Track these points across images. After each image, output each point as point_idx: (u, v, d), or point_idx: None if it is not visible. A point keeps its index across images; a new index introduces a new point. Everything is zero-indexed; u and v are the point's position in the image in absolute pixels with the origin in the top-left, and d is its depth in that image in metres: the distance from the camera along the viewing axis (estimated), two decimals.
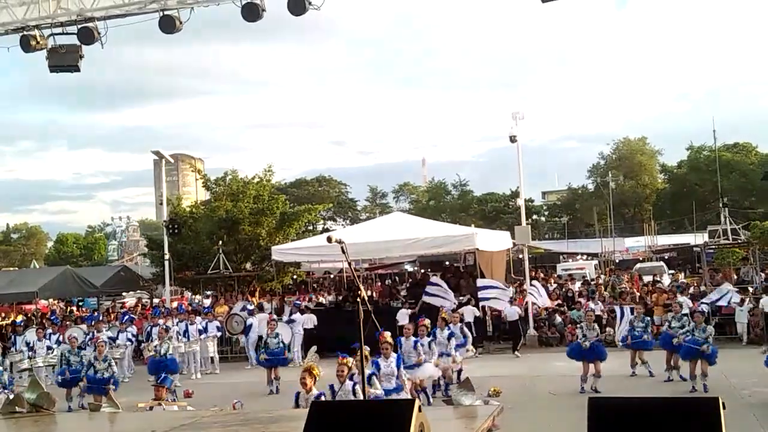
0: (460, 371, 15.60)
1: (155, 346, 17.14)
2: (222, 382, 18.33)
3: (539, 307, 22.09)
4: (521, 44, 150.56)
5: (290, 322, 20.89)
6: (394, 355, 11.77)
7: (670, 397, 4.17)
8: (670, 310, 17.07)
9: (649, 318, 17.25)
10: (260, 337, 21.71)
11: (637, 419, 3.88)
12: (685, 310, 16.91)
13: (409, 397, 11.73)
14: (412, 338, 13.28)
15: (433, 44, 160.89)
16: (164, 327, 18.14)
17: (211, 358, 20.64)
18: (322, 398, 9.03)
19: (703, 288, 23.35)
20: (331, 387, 9.59)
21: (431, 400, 13.26)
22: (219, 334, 21.30)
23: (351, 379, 9.70)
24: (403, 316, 19.22)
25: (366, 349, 10.99)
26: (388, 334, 12.19)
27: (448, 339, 14.63)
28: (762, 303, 19.42)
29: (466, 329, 16.35)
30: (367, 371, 10.45)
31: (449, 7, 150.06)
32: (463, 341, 15.47)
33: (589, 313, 16.32)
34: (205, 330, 20.32)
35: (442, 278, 26.03)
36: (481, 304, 20.64)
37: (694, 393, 13.04)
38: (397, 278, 35.21)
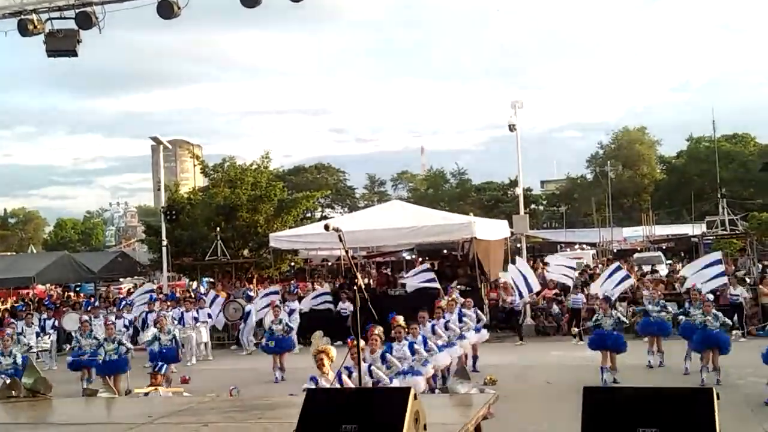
0: (476, 357, 15.79)
1: (155, 335, 17.08)
2: (218, 369, 18.37)
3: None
4: (523, 32, 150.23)
5: (291, 312, 20.59)
6: (406, 342, 11.84)
7: (664, 387, 4.19)
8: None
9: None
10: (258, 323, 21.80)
11: (632, 409, 3.90)
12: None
13: (424, 380, 11.86)
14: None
15: (434, 32, 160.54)
16: (163, 316, 18.05)
17: (205, 343, 20.66)
18: (343, 376, 9.06)
19: None
20: (348, 369, 9.55)
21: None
22: (210, 321, 21.29)
23: (364, 360, 9.83)
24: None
25: (379, 329, 11.14)
26: (400, 319, 12.31)
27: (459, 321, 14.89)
28: None
29: (480, 313, 16.64)
30: (380, 351, 10.59)
31: None
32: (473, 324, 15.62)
33: (602, 301, 15.92)
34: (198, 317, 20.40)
35: (440, 267, 26.13)
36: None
37: (720, 384, 12.79)
38: (394, 266, 35.22)
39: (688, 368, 14.46)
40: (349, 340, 10.16)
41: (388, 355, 10.79)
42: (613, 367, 14.14)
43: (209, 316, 21.19)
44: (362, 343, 10.12)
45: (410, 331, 12.45)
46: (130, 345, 15.80)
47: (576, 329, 18.65)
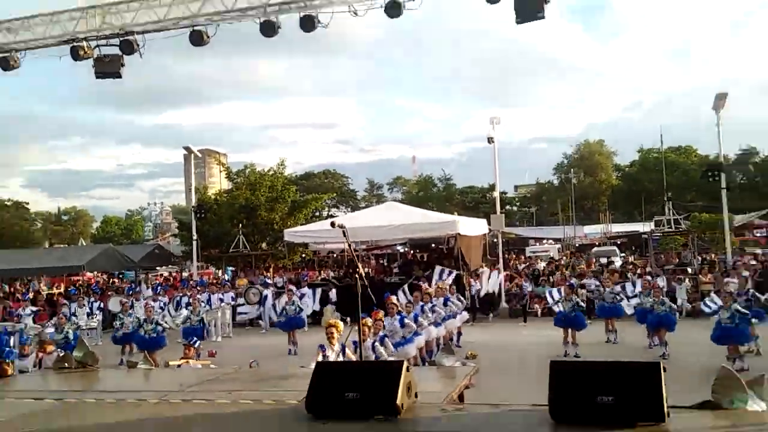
0: (459, 334, 15.77)
1: (188, 316, 17.10)
2: (241, 345, 18.31)
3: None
4: (500, 60, 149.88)
5: (302, 296, 20.64)
6: (398, 317, 11.82)
7: (618, 360, 4.19)
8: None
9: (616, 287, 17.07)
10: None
11: (591, 379, 3.90)
12: (639, 288, 16.95)
13: (414, 347, 11.85)
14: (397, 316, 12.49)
15: (424, 59, 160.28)
16: (197, 300, 18.05)
17: (228, 323, 20.61)
18: (346, 350, 9.05)
19: (649, 269, 23.41)
20: (355, 343, 9.53)
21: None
22: (233, 303, 21.26)
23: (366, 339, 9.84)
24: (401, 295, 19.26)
25: (381, 313, 11.13)
26: (393, 298, 12.31)
27: (445, 305, 14.92)
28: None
29: (461, 297, 16.85)
30: (381, 333, 10.57)
31: (438, 28, 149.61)
32: (457, 310, 15.65)
33: (566, 288, 16.09)
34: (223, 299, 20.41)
35: (428, 258, 26.14)
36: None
37: (667, 358, 12.79)
38: (390, 258, 35.17)
39: (652, 343, 14.44)
40: (374, 311, 10.22)
41: (386, 339, 10.73)
42: (574, 342, 14.20)
43: (232, 298, 21.21)
44: (369, 321, 10.18)
45: (406, 308, 12.49)
46: (166, 325, 15.77)
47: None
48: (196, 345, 12.45)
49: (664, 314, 13.91)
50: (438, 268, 21.10)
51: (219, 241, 30.86)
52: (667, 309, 14.01)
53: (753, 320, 13.04)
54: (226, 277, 28.67)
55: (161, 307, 20.23)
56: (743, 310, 12.35)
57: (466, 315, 16.69)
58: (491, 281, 21.29)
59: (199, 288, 21.48)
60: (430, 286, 18.19)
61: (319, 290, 21.08)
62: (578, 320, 14.50)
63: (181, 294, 20.89)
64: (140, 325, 14.93)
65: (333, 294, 20.68)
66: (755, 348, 13.25)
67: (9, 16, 14.40)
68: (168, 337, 15.52)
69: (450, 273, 20.57)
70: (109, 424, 4.48)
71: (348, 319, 16.37)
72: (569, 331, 14.42)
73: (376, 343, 10.04)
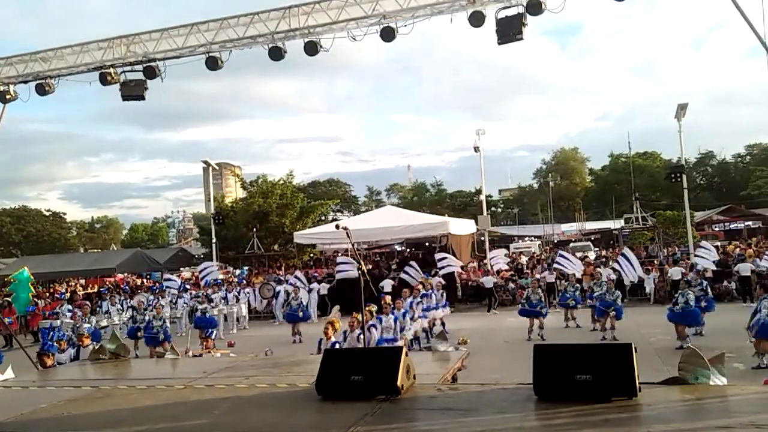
0: (443, 323, 15.79)
1: (203, 309, 17.13)
2: (256, 335, 18.32)
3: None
4: (484, 78, 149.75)
5: (310, 291, 20.72)
6: (392, 315, 11.80)
7: (595, 343, 4.19)
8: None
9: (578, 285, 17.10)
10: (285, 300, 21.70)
11: (570, 360, 3.90)
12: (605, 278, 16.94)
13: (402, 344, 11.82)
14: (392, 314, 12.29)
15: (418, 78, 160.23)
16: (205, 294, 18.09)
17: (244, 316, 20.57)
18: (337, 345, 9.12)
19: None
20: (344, 333, 9.73)
21: (421, 347, 13.15)
22: (248, 299, 21.22)
23: (360, 328, 9.84)
24: (387, 285, 19.34)
25: (374, 307, 11.13)
26: (388, 298, 12.30)
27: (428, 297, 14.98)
28: (671, 272, 19.43)
29: (444, 291, 16.71)
30: (372, 322, 10.57)
31: (428, 50, 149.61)
32: (444, 303, 15.64)
33: (533, 281, 16.17)
34: (239, 296, 20.38)
35: (423, 256, 26.15)
36: (442, 272, 20.28)
37: (603, 341, 12.86)
38: (388, 256, 35.14)
39: (597, 328, 14.52)
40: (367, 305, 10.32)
41: (372, 329, 10.69)
42: (541, 326, 14.34)
43: (246, 294, 21.18)
44: (374, 308, 10.22)
45: (395, 305, 12.41)
46: (168, 326, 15.47)
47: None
48: (213, 337, 12.46)
49: (612, 302, 13.89)
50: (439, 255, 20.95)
51: (236, 243, 30.86)
52: (615, 298, 13.98)
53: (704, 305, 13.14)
54: (235, 275, 28.63)
55: (186, 303, 20.24)
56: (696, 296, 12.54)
57: (448, 310, 16.63)
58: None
59: (217, 285, 21.42)
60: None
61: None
62: (542, 310, 14.69)
63: (203, 291, 20.80)
64: (149, 322, 14.82)
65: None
66: (699, 330, 13.25)
67: (43, 48, 14.45)
68: (191, 330, 15.50)
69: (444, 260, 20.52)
70: (141, 407, 4.47)
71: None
72: (533, 319, 14.50)
73: (360, 335, 10.08)
